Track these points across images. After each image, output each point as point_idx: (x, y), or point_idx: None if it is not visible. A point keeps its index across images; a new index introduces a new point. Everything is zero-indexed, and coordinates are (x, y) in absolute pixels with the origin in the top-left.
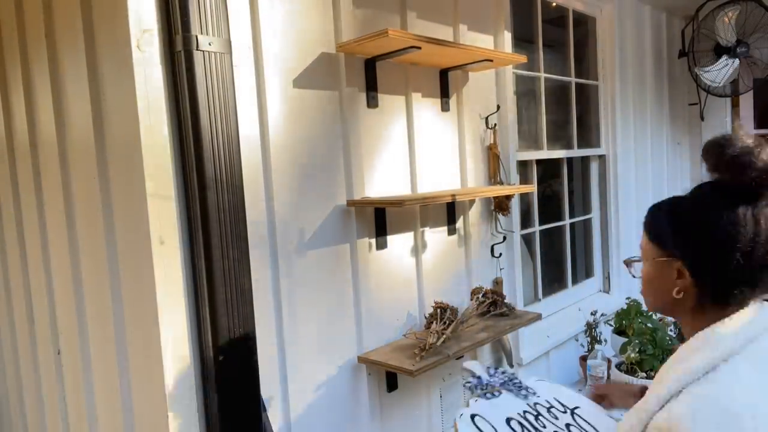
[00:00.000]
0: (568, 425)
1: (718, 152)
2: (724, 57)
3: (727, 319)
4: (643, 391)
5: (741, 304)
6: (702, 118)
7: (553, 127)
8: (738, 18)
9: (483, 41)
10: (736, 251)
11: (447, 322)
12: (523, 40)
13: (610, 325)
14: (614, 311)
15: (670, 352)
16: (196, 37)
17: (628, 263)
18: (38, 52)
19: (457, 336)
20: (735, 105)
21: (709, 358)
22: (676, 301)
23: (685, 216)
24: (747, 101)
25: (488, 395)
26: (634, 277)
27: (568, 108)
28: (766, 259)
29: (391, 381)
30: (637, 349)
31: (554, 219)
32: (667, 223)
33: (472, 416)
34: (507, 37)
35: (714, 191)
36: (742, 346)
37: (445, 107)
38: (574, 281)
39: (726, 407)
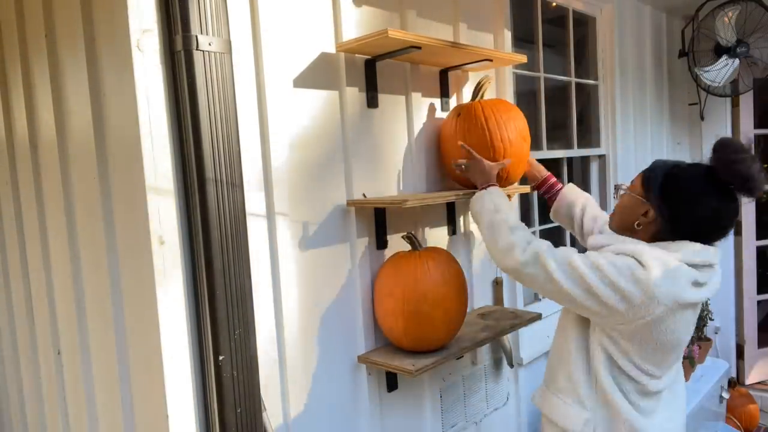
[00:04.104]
0: None
1: (731, 159)
2: (724, 57)
3: (693, 243)
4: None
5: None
6: (702, 118)
7: (552, 127)
8: (738, 18)
9: (483, 41)
10: (700, 225)
11: None
12: (523, 40)
13: None
14: None
15: None
16: (196, 37)
17: (618, 187)
18: (38, 52)
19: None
20: (735, 105)
21: (670, 252)
22: (634, 229)
23: (678, 183)
24: (747, 101)
25: None
26: (615, 198)
27: (568, 108)
28: (717, 236)
29: (391, 381)
30: None
31: None
32: (661, 179)
33: None
34: (507, 36)
35: (707, 177)
36: (693, 261)
37: (445, 107)
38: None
39: (672, 265)
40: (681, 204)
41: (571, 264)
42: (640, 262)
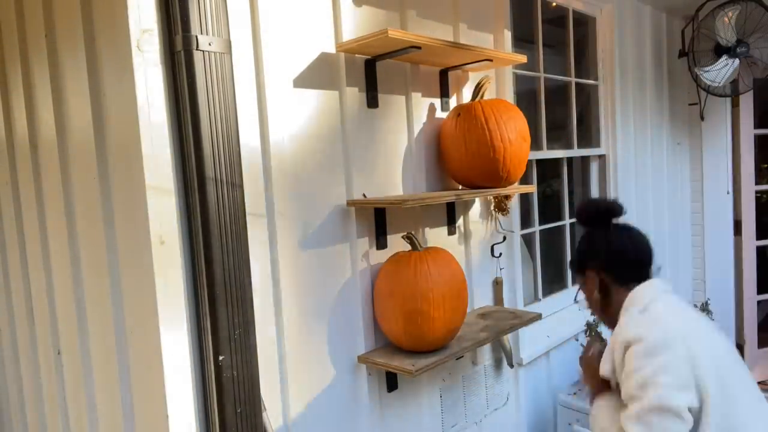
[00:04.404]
0: None
1: (583, 212)
2: (724, 57)
3: (638, 286)
4: None
5: (634, 283)
6: (702, 118)
7: (553, 126)
8: (738, 18)
9: (483, 41)
10: (623, 253)
11: None
12: (523, 40)
13: None
14: None
15: None
16: (196, 37)
17: (576, 300)
18: (38, 52)
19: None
20: (735, 105)
21: (638, 306)
22: (604, 300)
23: (587, 245)
24: (747, 101)
25: None
26: (582, 309)
27: (568, 108)
28: (636, 255)
29: (391, 381)
30: None
31: (554, 219)
32: (577, 257)
33: None
34: (507, 36)
35: (592, 232)
36: (656, 296)
37: (445, 107)
38: (574, 281)
39: (657, 318)
40: (601, 251)
41: (659, 407)
42: (637, 340)
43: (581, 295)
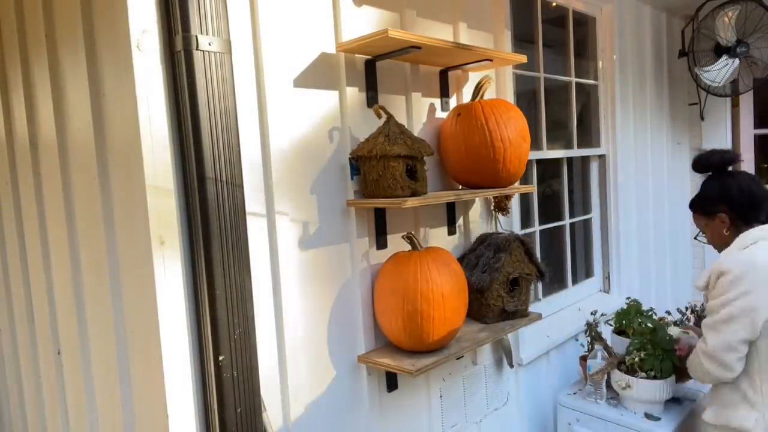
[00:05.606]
0: None
1: (706, 162)
2: (724, 57)
3: (752, 228)
4: None
5: (756, 222)
6: (702, 118)
7: (553, 126)
8: (738, 18)
9: (483, 41)
10: (752, 195)
11: None
12: (523, 40)
13: (610, 325)
14: (614, 311)
15: (669, 351)
16: (196, 37)
17: (697, 238)
18: (38, 52)
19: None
20: (735, 105)
21: (742, 243)
22: (727, 237)
23: (721, 190)
24: (747, 101)
25: None
26: (706, 243)
27: (568, 108)
28: (760, 196)
29: (391, 381)
30: (641, 354)
31: (554, 219)
32: (711, 199)
33: None
34: (507, 36)
35: (721, 176)
36: (759, 239)
37: (445, 107)
38: (574, 281)
39: (749, 257)
40: (732, 194)
41: (713, 332)
42: (726, 272)
43: (703, 236)
